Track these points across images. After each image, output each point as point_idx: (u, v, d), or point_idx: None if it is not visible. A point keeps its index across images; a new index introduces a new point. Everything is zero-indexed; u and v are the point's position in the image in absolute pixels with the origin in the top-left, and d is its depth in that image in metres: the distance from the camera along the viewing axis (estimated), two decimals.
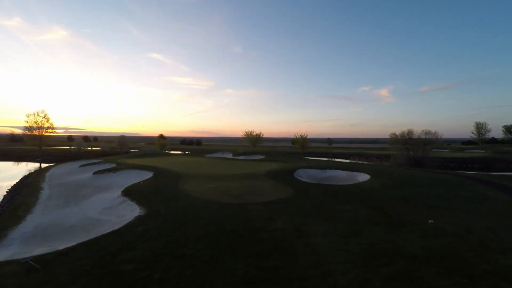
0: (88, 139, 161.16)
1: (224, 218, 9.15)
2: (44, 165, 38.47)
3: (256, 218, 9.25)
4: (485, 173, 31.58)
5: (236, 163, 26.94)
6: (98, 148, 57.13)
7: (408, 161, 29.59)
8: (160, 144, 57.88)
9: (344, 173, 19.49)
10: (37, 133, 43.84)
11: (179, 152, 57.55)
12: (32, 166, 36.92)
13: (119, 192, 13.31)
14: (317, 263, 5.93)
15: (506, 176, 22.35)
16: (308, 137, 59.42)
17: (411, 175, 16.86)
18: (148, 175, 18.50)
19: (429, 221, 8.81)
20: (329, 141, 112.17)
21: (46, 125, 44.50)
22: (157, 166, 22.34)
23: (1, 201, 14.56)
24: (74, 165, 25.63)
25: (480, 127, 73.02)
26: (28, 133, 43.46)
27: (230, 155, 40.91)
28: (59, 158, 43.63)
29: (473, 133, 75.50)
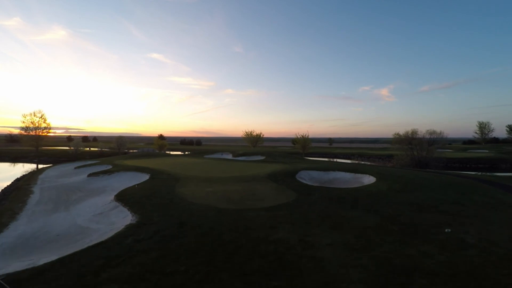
0: (88, 140, 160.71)
1: (222, 226, 8.42)
2: (41, 166, 37.80)
3: (257, 226, 8.52)
4: (491, 174, 30.87)
5: (236, 165, 26.22)
6: (96, 149, 56.45)
7: (412, 162, 28.88)
8: (159, 145, 57.16)
9: (348, 175, 18.76)
10: (33, 134, 43.18)
11: (179, 153, 56.88)
12: (28, 167, 36.25)
13: (112, 196, 12.59)
14: (328, 283, 5.20)
15: None
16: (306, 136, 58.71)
17: (419, 177, 16.12)
18: (145, 177, 17.78)
19: (446, 230, 8.08)
20: (330, 141, 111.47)
21: (43, 125, 43.90)
22: (155, 168, 21.62)
23: None
24: (69, 167, 24.92)
25: (483, 127, 72.25)
26: (24, 133, 42.78)
27: (230, 156, 40.18)
28: (56, 159, 42.96)
29: (476, 132, 74.79)
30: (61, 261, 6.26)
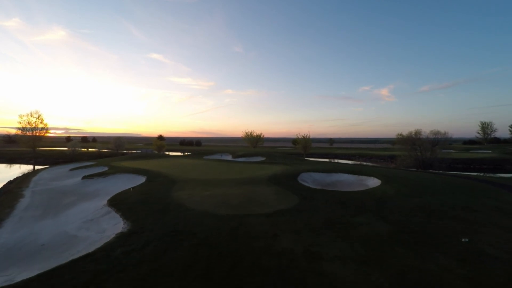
0: (87, 140, 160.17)
1: (220, 236, 7.79)
2: (38, 167, 37.19)
3: (258, 235, 7.89)
4: (497, 175, 30.26)
5: (235, 166, 25.59)
6: (94, 150, 55.77)
7: (415, 163, 28.25)
8: (158, 146, 56.42)
9: (352, 177, 18.14)
10: (30, 134, 42.51)
11: (178, 154, 56.22)
12: (25, 168, 35.57)
13: (105, 201, 11.95)
14: None
15: None
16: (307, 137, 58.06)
17: (426, 180, 15.50)
18: (141, 180, 17.16)
19: (463, 239, 7.45)
20: (331, 141, 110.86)
21: (40, 126, 43.21)
22: (152, 170, 21.00)
23: None
24: (64, 168, 24.28)
25: (485, 127, 71.59)
26: (21, 133, 42.07)
27: (229, 157, 39.53)
28: (54, 160, 42.29)
29: (478, 132, 74.08)
30: (40, 277, 5.63)
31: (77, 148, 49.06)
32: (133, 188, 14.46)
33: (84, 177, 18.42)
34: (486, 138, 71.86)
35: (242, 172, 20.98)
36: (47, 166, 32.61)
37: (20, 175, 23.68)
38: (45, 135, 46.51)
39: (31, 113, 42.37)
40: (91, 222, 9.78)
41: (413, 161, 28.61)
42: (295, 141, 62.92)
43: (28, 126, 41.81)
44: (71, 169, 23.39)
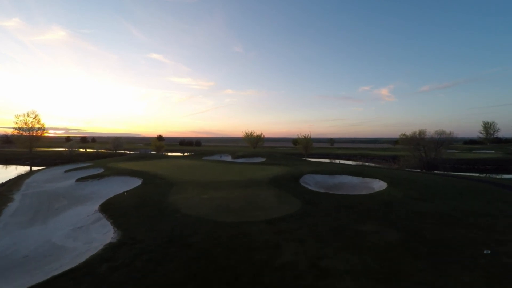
0: (86, 140, 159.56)
1: (218, 247, 7.13)
2: (34, 168, 36.58)
3: (258, 246, 7.24)
4: (502, 176, 29.61)
5: (235, 167, 24.93)
6: (92, 150, 55.09)
7: (420, 164, 27.60)
8: (156, 146, 55.68)
9: (356, 179, 17.48)
10: (27, 134, 41.80)
11: (177, 154, 55.55)
12: (20, 170, 34.90)
13: (97, 206, 11.30)
14: None
15: None
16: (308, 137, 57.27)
17: (434, 182, 14.84)
18: (137, 182, 16.50)
19: (485, 251, 6.79)
20: (331, 141, 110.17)
21: (37, 126, 42.53)
22: (149, 171, 20.35)
23: None
24: (59, 170, 23.62)
25: (488, 127, 70.85)
26: (17, 132, 41.35)
27: (229, 158, 38.87)
28: (50, 160, 41.64)
29: (481, 132, 73.35)
30: None
31: (74, 149, 48.37)
32: (127, 191, 13.80)
33: (78, 180, 17.77)
34: (489, 138, 71.20)
35: (242, 174, 20.33)
36: (44, 167, 32.02)
37: (14, 177, 23.03)
38: (43, 135, 45.90)
39: (27, 113, 41.76)
40: (80, 230, 9.12)
41: (417, 162, 27.95)
42: (295, 141, 62.22)
43: (25, 126, 41.18)
44: (66, 171, 22.74)
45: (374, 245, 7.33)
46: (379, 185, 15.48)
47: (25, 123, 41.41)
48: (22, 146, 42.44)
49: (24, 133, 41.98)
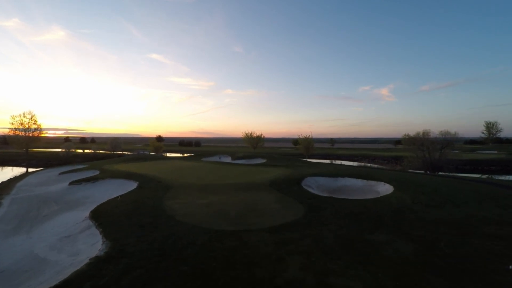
0: (85, 141, 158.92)
1: (215, 261, 6.47)
2: (31, 169, 35.94)
3: (260, 259, 6.58)
4: (508, 177, 28.98)
5: (235, 169, 24.27)
6: (90, 151, 54.34)
7: (424, 165, 26.96)
8: (155, 147, 54.86)
9: (360, 182, 16.83)
10: (23, 134, 41.03)
11: (176, 155, 54.85)
12: (16, 171, 34.25)
13: (88, 212, 10.63)
14: None
15: None
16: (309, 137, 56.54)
17: (443, 185, 14.17)
18: (132, 186, 15.83)
19: (510, 267, 6.13)
20: (332, 141, 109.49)
21: (33, 127, 41.80)
22: (146, 174, 19.69)
23: None
24: (53, 172, 22.93)
25: (490, 127, 70.17)
26: (13, 133, 40.59)
27: (228, 159, 38.19)
28: (47, 162, 40.95)
29: (483, 132, 72.68)
30: None
31: (71, 150, 47.60)
32: (121, 196, 13.13)
33: (71, 183, 17.10)
34: (492, 138, 70.53)
35: (241, 176, 19.68)
36: (40, 168, 31.37)
37: (7, 179, 22.34)
38: (40, 135, 45.18)
39: (23, 114, 41.01)
40: (67, 240, 8.45)
41: (421, 163, 27.31)
42: (296, 141, 61.55)
43: (21, 127, 40.43)
44: (61, 173, 22.05)
45: (387, 258, 6.67)
46: (385, 188, 14.83)
47: (21, 124, 40.68)
48: (19, 147, 41.70)
49: (21, 133, 41.24)
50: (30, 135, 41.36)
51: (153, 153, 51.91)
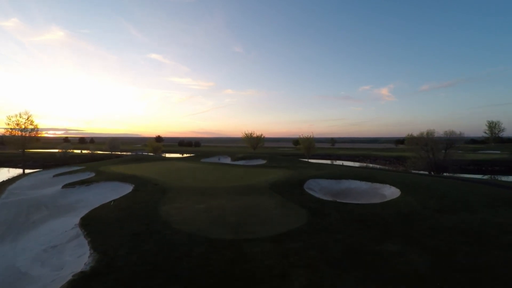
0: (85, 141, 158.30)
1: (212, 277, 5.86)
2: (27, 171, 35.35)
3: (261, 274, 5.98)
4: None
5: (234, 170, 23.68)
6: (88, 151, 53.67)
7: (427, 166, 26.37)
8: (153, 147, 54.09)
9: (364, 185, 16.23)
10: (19, 134, 40.31)
11: (175, 155, 54.22)
12: (13, 172, 33.63)
13: (79, 219, 10.02)
14: None
15: None
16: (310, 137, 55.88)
17: (453, 189, 13.57)
18: (127, 189, 15.22)
19: None
20: (332, 141, 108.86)
21: (30, 127, 41.12)
22: (142, 176, 19.08)
23: None
24: (48, 174, 22.32)
25: (493, 126, 69.53)
26: (9, 133, 39.90)
27: (228, 160, 37.59)
28: (44, 163, 40.30)
29: (485, 132, 72.06)
30: None
31: (68, 150, 46.89)
32: (115, 200, 12.52)
33: (64, 186, 16.47)
34: (494, 137, 69.90)
35: (241, 178, 19.07)
36: (37, 170, 30.81)
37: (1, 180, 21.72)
38: (38, 135, 44.54)
39: (20, 114, 40.33)
40: (53, 250, 7.84)
41: (425, 163, 26.71)
42: (296, 141, 60.91)
43: (17, 127, 39.79)
44: (55, 175, 21.44)
45: (400, 272, 6.07)
46: (391, 191, 14.23)
47: (17, 124, 40.04)
48: (15, 147, 41.04)
49: (18, 133, 40.58)
50: (27, 135, 40.72)
51: (152, 154, 51.24)
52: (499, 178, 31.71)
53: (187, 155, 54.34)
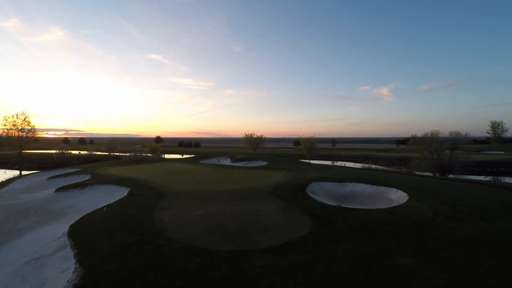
0: (84, 142, 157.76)
1: None
2: (24, 172, 34.85)
3: None
4: None
5: (234, 173, 23.04)
6: (86, 152, 53.04)
7: (432, 167, 25.72)
8: (152, 148, 53.37)
9: (369, 188, 15.59)
10: (15, 134, 39.71)
11: (174, 156, 53.64)
12: (8, 174, 33.02)
13: (68, 226, 9.39)
14: None
15: None
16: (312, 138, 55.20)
17: (463, 193, 12.92)
18: (122, 193, 14.59)
19: None
20: (333, 141, 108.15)
21: (27, 128, 40.53)
22: (139, 178, 18.45)
23: None
24: (42, 177, 21.69)
25: (496, 126, 68.80)
26: (5, 134, 39.32)
27: (228, 161, 36.96)
28: (41, 164, 39.70)
29: (488, 132, 71.37)
30: None
31: (65, 151, 46.25)
32: (108, 206, 11.90)
33: (57, 189, 15.85)
34: (497, 137, 69.18)
35: (241, 181, 18.44)
36: (33, 171, 30.31)
37: None
38: (34, 136, 43.95)
39: (16, 115, 39.76)
40: (36, 263, 7.21)
41: (429, 165, 26.06)
42: (297, 142, 60.25)
43: (14, 128, 39.21)
44: (50, 178, 20.81)
45: None
46: (398, 195, 13.59)
47: (14, 125, 39.46)
48: (11, 148, 40.44)
49: (15, 133, 40.00)
50: (24, 135, 40.12)
51: (150, 155, 50.62)
52: (504, 180, 31.07)
53: (187, 156, 53.75)
